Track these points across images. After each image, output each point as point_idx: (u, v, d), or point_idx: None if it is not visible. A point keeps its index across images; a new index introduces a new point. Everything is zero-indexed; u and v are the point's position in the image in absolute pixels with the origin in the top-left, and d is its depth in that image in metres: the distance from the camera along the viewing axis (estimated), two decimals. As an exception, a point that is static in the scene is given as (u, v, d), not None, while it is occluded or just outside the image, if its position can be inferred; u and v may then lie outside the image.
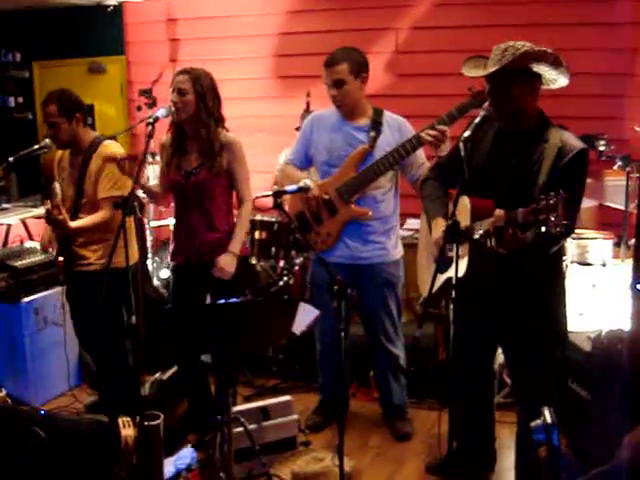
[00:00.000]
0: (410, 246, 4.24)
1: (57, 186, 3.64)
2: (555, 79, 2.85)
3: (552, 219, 2.37)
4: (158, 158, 4.21)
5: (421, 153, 3.81)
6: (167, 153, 3.75)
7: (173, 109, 3.55)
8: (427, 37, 5.63)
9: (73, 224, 3.64)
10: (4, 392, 3.82)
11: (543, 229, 2.43)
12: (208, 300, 3.77)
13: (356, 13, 5.78)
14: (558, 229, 2.39)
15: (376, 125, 3.83)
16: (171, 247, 3.88)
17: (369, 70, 3.84)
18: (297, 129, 5.35)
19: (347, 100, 3.80)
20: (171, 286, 4.01)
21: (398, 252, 4.03)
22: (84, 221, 3.70)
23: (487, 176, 2.94)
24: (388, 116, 3.89)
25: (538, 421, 2.21)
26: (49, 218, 3.60)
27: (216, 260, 3.68)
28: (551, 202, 2.38)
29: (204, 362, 3.81)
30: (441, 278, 3.03)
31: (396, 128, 3.86)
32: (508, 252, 2.70)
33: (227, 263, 3.69)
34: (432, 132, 3.53)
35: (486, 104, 3.01)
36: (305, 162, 4.04)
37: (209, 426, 3.64)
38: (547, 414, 2.22)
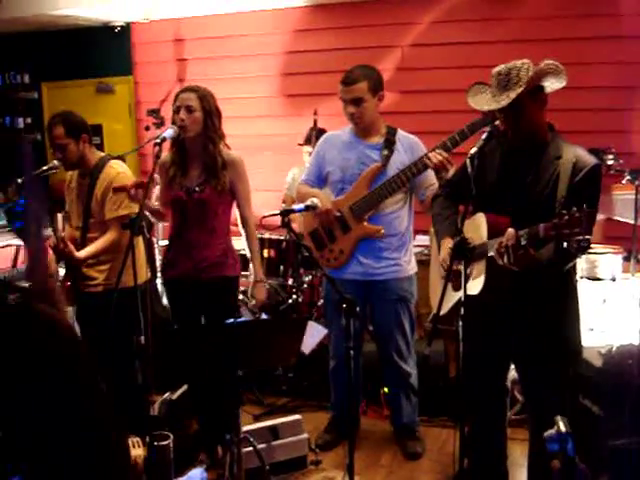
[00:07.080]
0: (420, 262, 4.23)
1: (60, 218, 3.61)
2: (554, 86, 2.85)
3: (574, 234, 2.37)
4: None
5: (431, 173, 3.75)
6: (168, 171, 3.73)
7: (178, 127, 3.54)
8: (431, 54, 5.66)
9: (81, 253, 3.63)
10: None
11: (564, 244, 2.43)
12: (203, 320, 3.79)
13: (362, 31, 5.83)
14: (579, 244, 2.38)
15: (389, 144, 3.84)
16: (159, 260, 3.86)
17: (384, 88, 3.87)
18: (300, 145, 5.38)
19: (365, 117, 3.80)
20: (168, 300, 4.01)
21: (411, 268, 4.01)
22: (92, 248, 3.69)
23: (500, 193, 2.94)
24: (401, 134, 3.89)
25: (552, 431, 2.06)
26: (56, 252, 3.59)
27: (251, 293, 3.81)
28: (574, 217, 2.37)
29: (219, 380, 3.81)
30: (456, 296, 3.02)
31: (408, 147, 3.86)
32: (520, 269, 2.70)
33: (261, 292, 3.81)
34: (438, 157, 3.53)
35: (497, 122, 2.99)
36: (319, 182, 4.03)
37: (220, 444, 3.65)
38: (561, 423, 2.08)
